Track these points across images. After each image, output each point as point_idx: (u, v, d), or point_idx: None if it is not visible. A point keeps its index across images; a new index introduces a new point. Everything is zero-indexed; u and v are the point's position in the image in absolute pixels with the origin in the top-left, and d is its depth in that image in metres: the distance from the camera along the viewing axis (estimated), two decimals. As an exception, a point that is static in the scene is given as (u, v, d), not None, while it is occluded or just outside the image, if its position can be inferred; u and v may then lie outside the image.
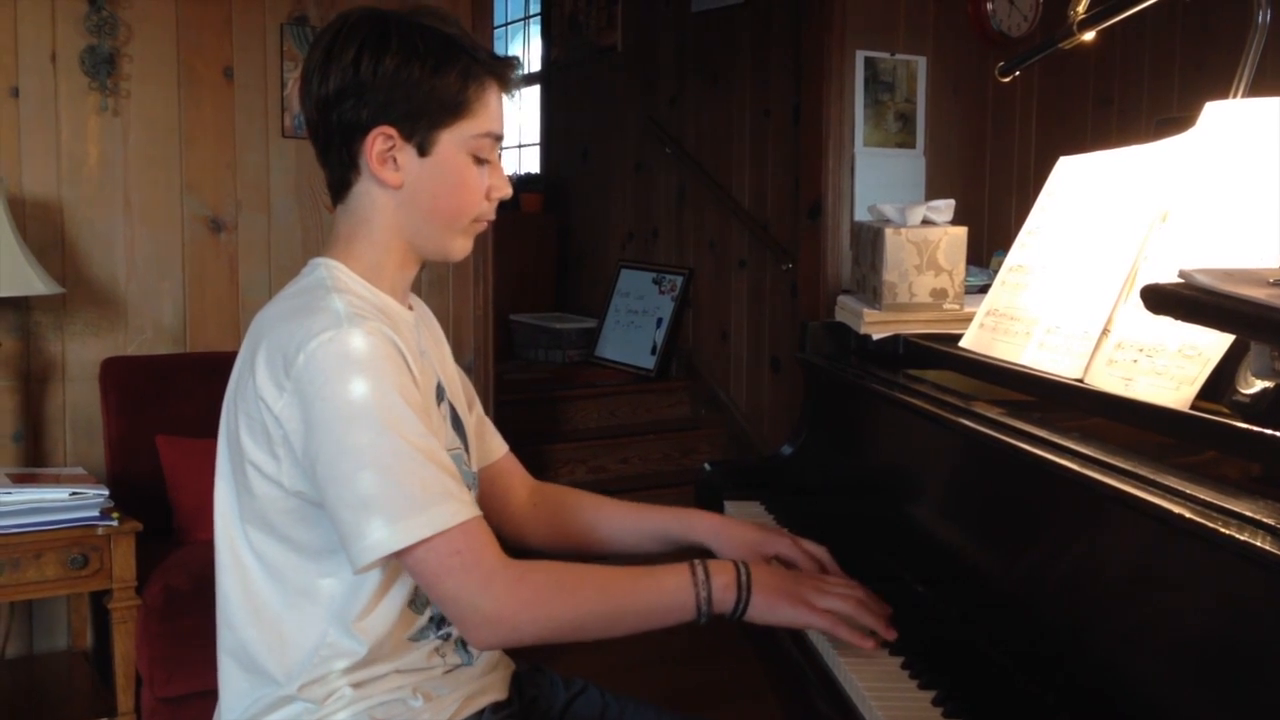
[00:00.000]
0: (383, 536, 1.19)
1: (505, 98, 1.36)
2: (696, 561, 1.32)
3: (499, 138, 1.36)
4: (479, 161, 1.35)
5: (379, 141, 1.30)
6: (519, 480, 1.64)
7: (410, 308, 1.43)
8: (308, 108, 1.34)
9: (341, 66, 1.29)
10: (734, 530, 1.53)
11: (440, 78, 1.30)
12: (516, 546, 1.63)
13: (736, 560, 1.33)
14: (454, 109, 1.31)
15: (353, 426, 1.20)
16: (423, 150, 1.32)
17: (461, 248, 1.39)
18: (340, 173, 1.34)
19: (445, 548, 1.21)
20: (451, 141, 1.32)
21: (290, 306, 1.29)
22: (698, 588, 1.29)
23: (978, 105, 3.98)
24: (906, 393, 1.77)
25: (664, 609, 1.29)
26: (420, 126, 1.31)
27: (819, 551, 1.50)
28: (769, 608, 1.31)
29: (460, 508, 1.22)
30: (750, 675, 2.00)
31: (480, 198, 1.36)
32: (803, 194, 3.95)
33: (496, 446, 1.62)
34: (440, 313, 3.58)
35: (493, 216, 1.40)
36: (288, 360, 1.22)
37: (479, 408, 1.59)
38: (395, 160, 1.31)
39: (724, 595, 1.29)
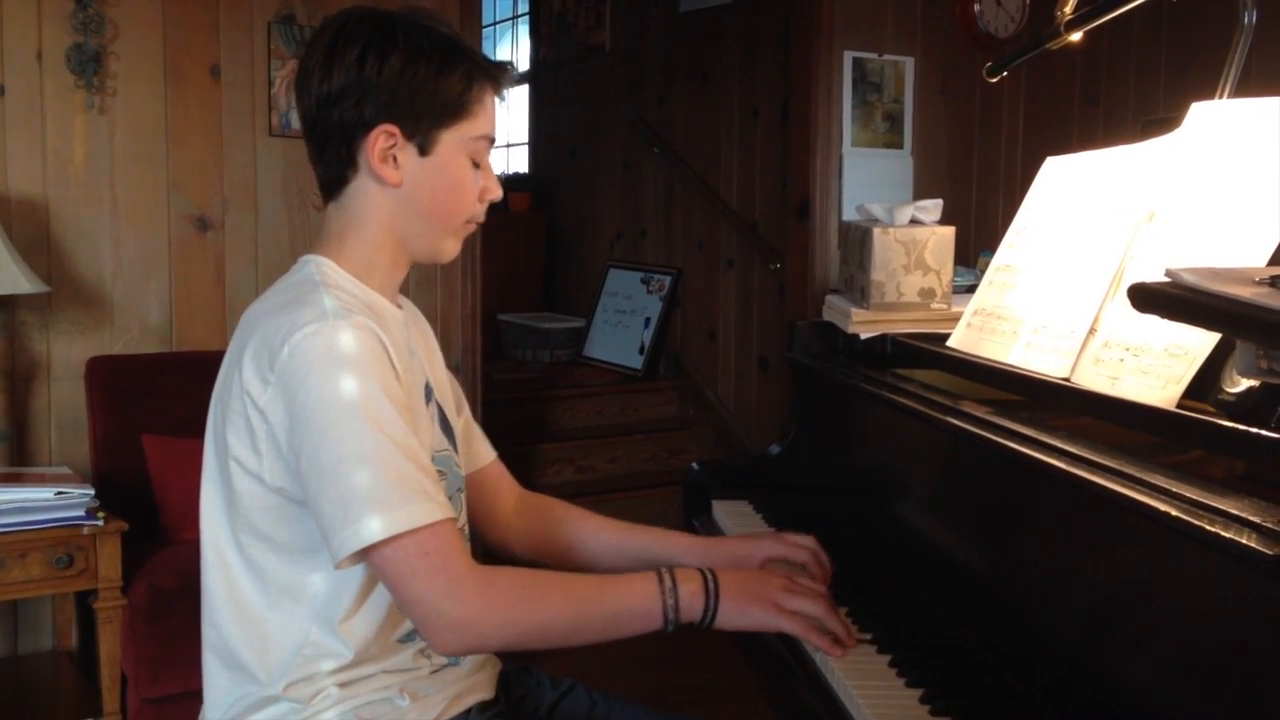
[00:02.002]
0: (356, 530, 1.18)
1: (497, 101, 1.38)
2: (664, 570, 1.31)
3: (493, 140, 1.38)
4: (474, 164, 1.36)
5: (381, 139, 1.31)
6: (506, 487, 1.64)
7: (399, 307, 1.43)
8: (305, 104, 1.33)
9: (345, 65, 1.29)
10: (718, 549, 1.53)
11: (444, 79, 1.31)
12: (500, 554, 1.62)
13: (704, 568, 1.33)
14: (456, 110, 1.32)
15: (335, 420, 1.19)
16: (423, 150, 1.33)
17: (451, 249, 1.40)
18: (337, 170, 1.34)
19: (415, 548, 1.20)
20: (451, 142, 1.33)
21: (278, 301, 1.29)
22: (664, 595, 1.28)
23: (965, 106, 3.99)
24: (894, 392, 1.77)
25: (630, 616, 1.28)
26: (422, 126, 1.31)
27: (807, 541, 1.51)
28: (738, 612, 1.31)
29: (435, 508, 1.22)
30: (740, 675, 2.00)
31: (474, 199, 1.38)
32: (791, 194, 3.96)
33: (484, 452, 1.62)
34: (428, 312, 3.56)
35: (483, 218, 1.42)
36: (273, 353, 1.22)
37: (467, 412, 1.58)
38: (395, 159, 1.32)
39: (691, 603, 1.29)
